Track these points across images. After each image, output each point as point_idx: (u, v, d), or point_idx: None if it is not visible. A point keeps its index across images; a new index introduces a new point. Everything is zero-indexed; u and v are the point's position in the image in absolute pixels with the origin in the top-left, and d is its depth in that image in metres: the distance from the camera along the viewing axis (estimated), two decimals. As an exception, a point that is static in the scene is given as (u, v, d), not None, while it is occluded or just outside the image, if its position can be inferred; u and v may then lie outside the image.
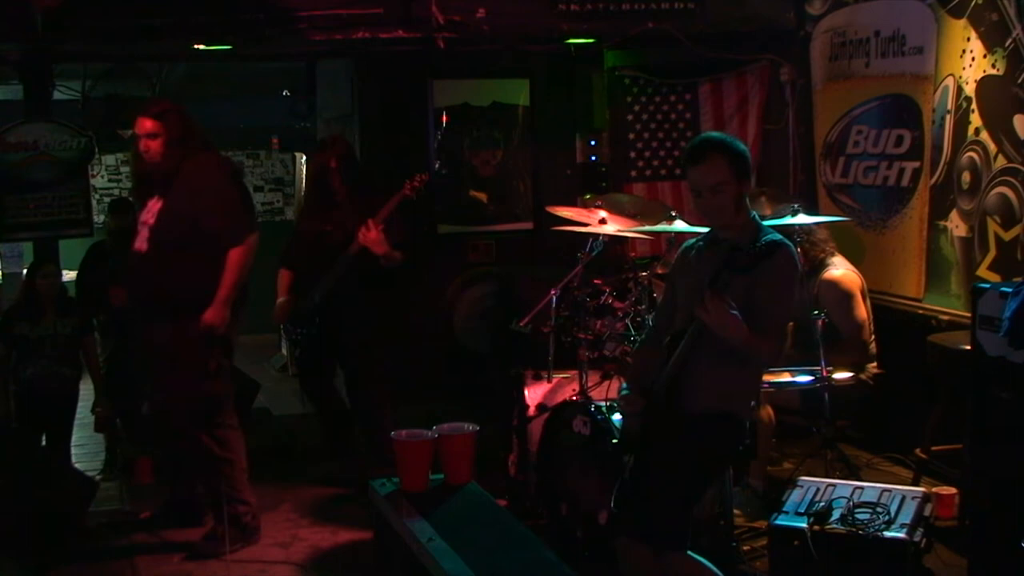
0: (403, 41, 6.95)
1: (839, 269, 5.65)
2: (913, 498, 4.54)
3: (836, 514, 4.45)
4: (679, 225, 5.17)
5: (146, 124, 5.05)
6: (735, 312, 3.45)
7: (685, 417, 3.65)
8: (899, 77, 6.15)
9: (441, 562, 3.81)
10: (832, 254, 5.73)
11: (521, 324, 5.45)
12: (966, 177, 5.59)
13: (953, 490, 5.01)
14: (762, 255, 3.50)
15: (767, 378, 5.13)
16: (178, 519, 5.48)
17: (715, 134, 3.89)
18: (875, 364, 5.64)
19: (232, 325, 5.10)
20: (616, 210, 5.49)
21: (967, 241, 5.60)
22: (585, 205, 5.90)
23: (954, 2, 5.63)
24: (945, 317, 5.70)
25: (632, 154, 8.02)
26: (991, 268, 5.41)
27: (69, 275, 6.91)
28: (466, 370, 7.46)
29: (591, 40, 7.47)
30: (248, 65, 9.69)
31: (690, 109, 7.98)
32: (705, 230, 4.06)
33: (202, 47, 7.08)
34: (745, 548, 4.81)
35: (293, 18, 6.74)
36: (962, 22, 5.57)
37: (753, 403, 3.89)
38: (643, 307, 4.96)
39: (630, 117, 8.00)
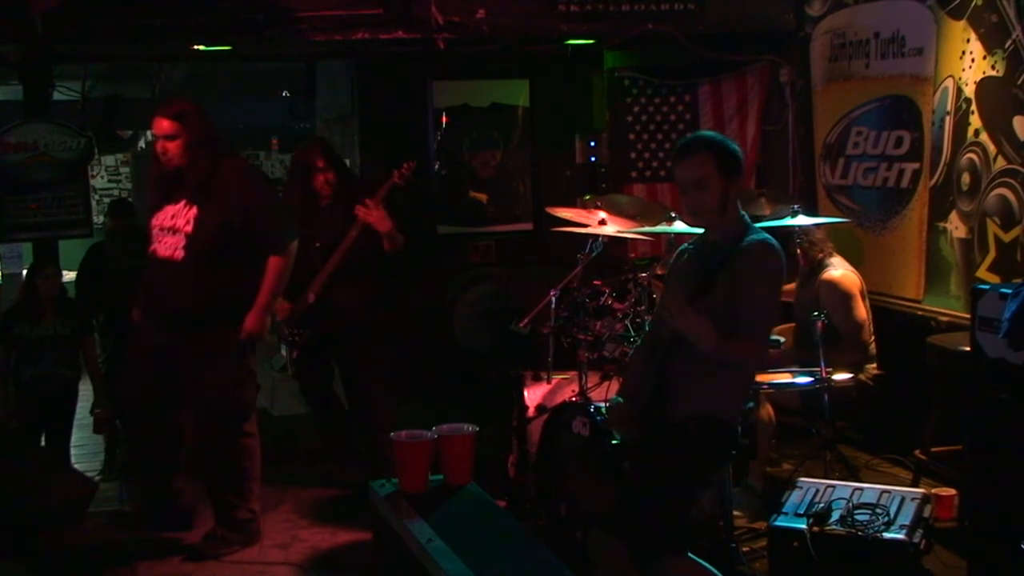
0: (403, 42, 6.95)
1: (838, 270, 5.66)
2: (912, 499, 4.54)
3: (835, 515, 4.46)
4: (679, 226, 5.17)
5: (164, 125, 4.85)
6: (701, 317, 3.44)
7: (671, 423, 3.62)
8: (899, 78, 6.15)
9: (440, 563, 3.81)
10: (831, 255, 5.73)
11: (520, 325, 5.45)
12: (966, 178, 5.59)
13: (952, 491, 5.01)
14: (740, 254, 3.50)
15: (767, 379, 5.13)
16: (162, 520, 5.42)
17: (706, 132, 3.91)
18: (875, 365, 5.64)
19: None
20: (616, 211, 5.49)
21: (967, 242, 5.60)
22: (585, 206, 5.90)
23: (954, 3, 5.63)
24: (944, 318, 5.70)
25: (632, 155, 8.02)
26: (991, 269, 5.41)
27: (69, 276, 6.90)
28: (466, 371, 7.45)
29: (591, 41, 7.47)
30: (248, 66, 9.72)
31: (690, 110, 7.98)
32: (697, 231, 4.06)
33: (202, 48, 7.08)
34: (744, 549, 4.80)
35: (293, 19, 6.74)
36: (962, 23, 5.57)
37: (746, 405, 3.84)
38: (643, 308, 4.96)
39: (630, 118, 8.00)
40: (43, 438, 6.18)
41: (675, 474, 3.60)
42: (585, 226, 5.33)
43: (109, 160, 11.60)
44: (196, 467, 5.35)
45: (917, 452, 5.38)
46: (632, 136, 8.00)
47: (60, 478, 5.55)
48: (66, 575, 5.04)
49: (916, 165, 6.01)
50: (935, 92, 5.83)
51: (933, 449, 5.31)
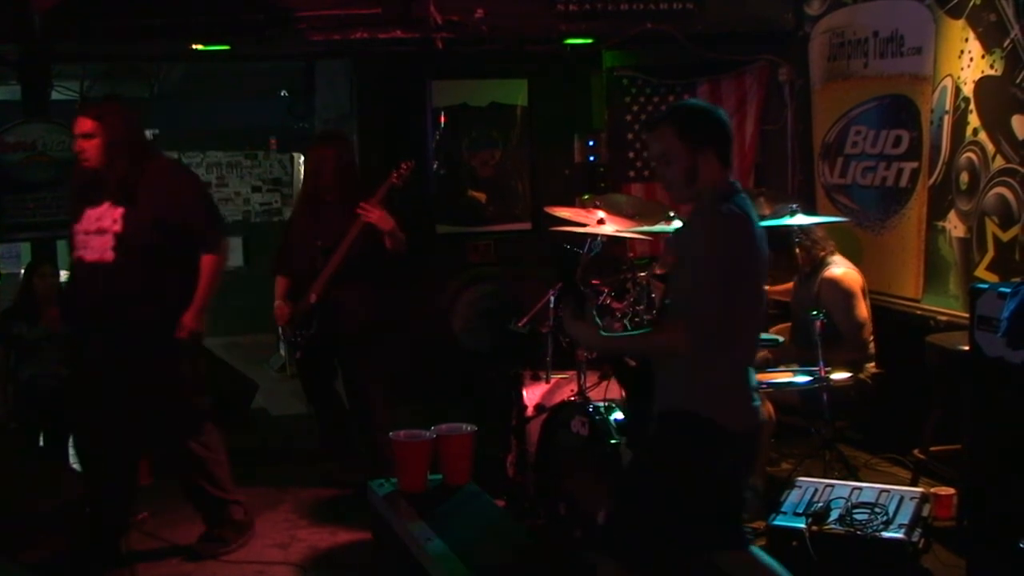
0: (402, 42, 6.96)
1: (840, 268, 5.66)
2: (911, 498, 4.55)
3: (834, 514, 4.46)
4: (677, 226, 5.17)
5: (82, 124, 4.73)
6: (579, 321, 3.41)
7: (656, 417, 3.46)
8: (897, 77, 6.15)
9: (439, 563, 3.81)
10: (832, 252, 5.73)
11: (519, 324, 5.45)
12: (964, 178, 5.59)
13: (951, 490, 5.01)
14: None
15: (765, 378, 5.13)
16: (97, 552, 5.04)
17: (680, 102, 3.75)
18: (873, 364, 5.64)
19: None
20: (614, 210, 5.48)
21: (965, 241, 5.60)
22: (583, 205, 5.89)
23: (952, 3, 5.63)
24: (943, 318, 5.70)
25: (630, 154, 8.03)
26: (989, 268, 5.41)
27: (67, 275, 6.90)
28: (464, 370, 7.46)
29: (589, 40, 7.47)
30: (246, 65, 9.71)
31: (688, 110, 7.98)
32: None
33: (200, 47, 7.08)
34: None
35: (291, 18, 6.75)
36: (960, 22, 5.57)
37: (733, 402, 3.41)
38: (641, 307, 4.95)
39: (628, 117, 8.00)
40: (41, 438, 6.18)
41: (645, 477, 3.42)
42: (584, 225, 5.33)
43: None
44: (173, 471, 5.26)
45: (916, 451, 5.38)
46: (631, 136, 8.01)
47: (58, 478, 5.55)
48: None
49: (915, 164, 6.01)
50: (934, 91, 5.83)
51: (932, 448, 5.31)
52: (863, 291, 5.65)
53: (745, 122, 7.79)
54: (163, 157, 5.07)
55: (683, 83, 7.91)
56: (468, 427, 4.78)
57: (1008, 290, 4.16)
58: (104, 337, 4.80)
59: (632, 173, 8.03)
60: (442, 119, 8.16)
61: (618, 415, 4.66)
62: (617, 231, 5.36)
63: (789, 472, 5.54)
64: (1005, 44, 5.25)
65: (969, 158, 5.56)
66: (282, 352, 8.18)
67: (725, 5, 7.22)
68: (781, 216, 5.41)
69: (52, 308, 5.88)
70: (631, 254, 7.02)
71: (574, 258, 3.44)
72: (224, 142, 11.88)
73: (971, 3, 5.48)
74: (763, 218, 5.43)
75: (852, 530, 4.37)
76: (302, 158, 9.68)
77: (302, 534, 5.42)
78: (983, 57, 5.41)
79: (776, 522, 4.52)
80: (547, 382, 5.31)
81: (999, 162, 5.34)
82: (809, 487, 4.71)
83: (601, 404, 4.74)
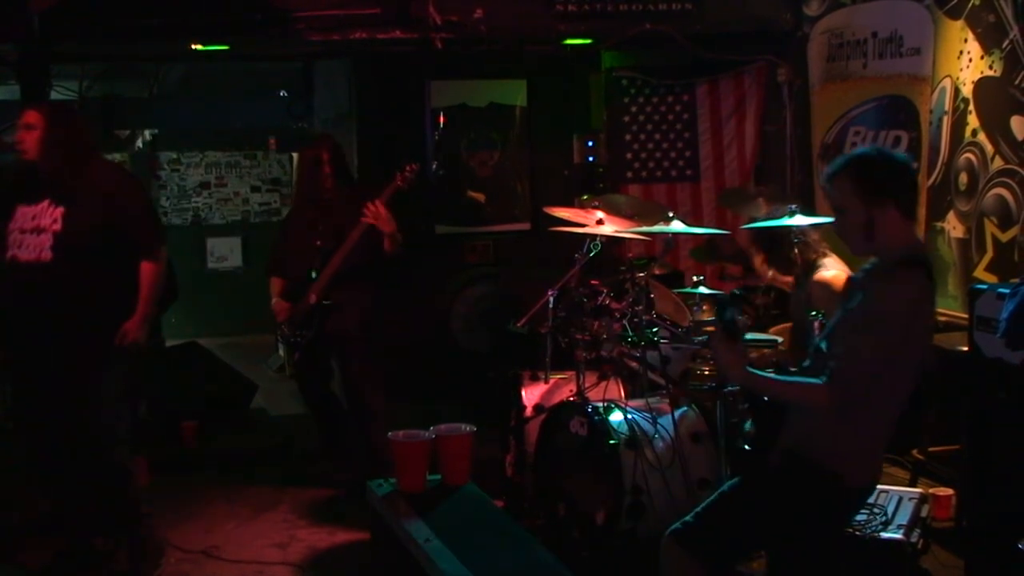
0: (401, 42, 6.96)
1: (831, 270, 5.64)
2: (910, 499, 4.54)
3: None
4: (676, 226, 5.17)
5: (27, 116, 4.62)
6: (726, 348, 3.24)
7: (782, 452, 3.37)
8: (896, 78, 6.16)
9: (438, 563, 3.80)
10: (824, 255, 5.72)
11: (518, 325, 5.45)
12: (963, 178, 5.60)
13: (950, 491, 5.01)
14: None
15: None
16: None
17: (861, 151, 3.49)
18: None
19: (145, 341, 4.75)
20: (613, 211, 5.49)
21: (964, 242, 5.61)
22: (582, 206, 5.89)
23: (951, 3, 5.63)
24: (942, 318, 5.70)
25: (629, 155, 8.04)
26: (988, 269, 5.42)
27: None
28: (463, 371, 7.46)
29: (588, 41, 7.48)
30: (245, 65, 9.71)
31: (687, 110, 8.00)
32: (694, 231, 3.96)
33: (199, 47, 7.08)
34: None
35: (290, 18, 6.75)
36: (959, 23, 5.58)
37: (863, 461, 3.33)
38: (640, 308, 4.95)
39: (627, 118, 8.02)
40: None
41: (752, 504, 3.32)
42: (583, 226, 5.33)
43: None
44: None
45: (915, 452, 5.38)
46: (629, 136, 8.02)
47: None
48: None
49: (914, 165, 6.00)
50: (933, 92, 5.83)
51: (931, 449, 5.31)
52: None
53: (744, 122, 7.80)
54: (107, 161, 4.93)
55: (682, 83, 7.93)
56: (467, 427, 4.77)
57: (1007, 291, 4.16)
58: (37, 342, 4.63)
59: (630, 174, 8.04)
60: (441, 119, 8.17)
61: (617, 415, 4.66)
62: (616, 232, 5.36)
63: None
64: (1004, 45, 5.25)
65: (968, 159, 5.56)
66: (281, 353, 8.18)
67: (724, 5, 7.23)
68: (780, 216, 5.41)
69: None
70: (630, 254, 7.02)
71: (743, 299, 3.33)
72: (223, 142, 11.89)
73: (970, 4, 5.48)
74: (760, 219, 5.44)
75: (851, 530, 4.36)
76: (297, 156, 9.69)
77: (301, 534, 5.42)
78: (982, 58, 5.41)
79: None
80: (546, 382, 5.30)
81: (998, 163, 5.34)
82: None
83: (600, 404, 4.74)
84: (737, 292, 3.43)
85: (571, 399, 4.94)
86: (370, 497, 4.73)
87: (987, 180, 5.41)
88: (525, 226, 8.25)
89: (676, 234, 5.18)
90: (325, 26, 6.86)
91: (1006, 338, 4.09)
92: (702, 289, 5.15)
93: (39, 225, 4.57)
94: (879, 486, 4.67)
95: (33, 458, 4.94)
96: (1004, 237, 5.31)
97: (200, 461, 6.64)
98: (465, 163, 8.20)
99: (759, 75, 7.67)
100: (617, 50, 7.79)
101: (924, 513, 4.54)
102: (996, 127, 5.34)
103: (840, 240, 3.38)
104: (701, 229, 5.81)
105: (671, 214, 5.31)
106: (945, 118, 5.73)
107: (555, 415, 4.91)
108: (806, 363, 3.50)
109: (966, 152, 5.58)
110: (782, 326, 5.91)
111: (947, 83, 5.71)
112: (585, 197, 7.11)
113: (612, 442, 4.50)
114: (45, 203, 4.60)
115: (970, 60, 5.50)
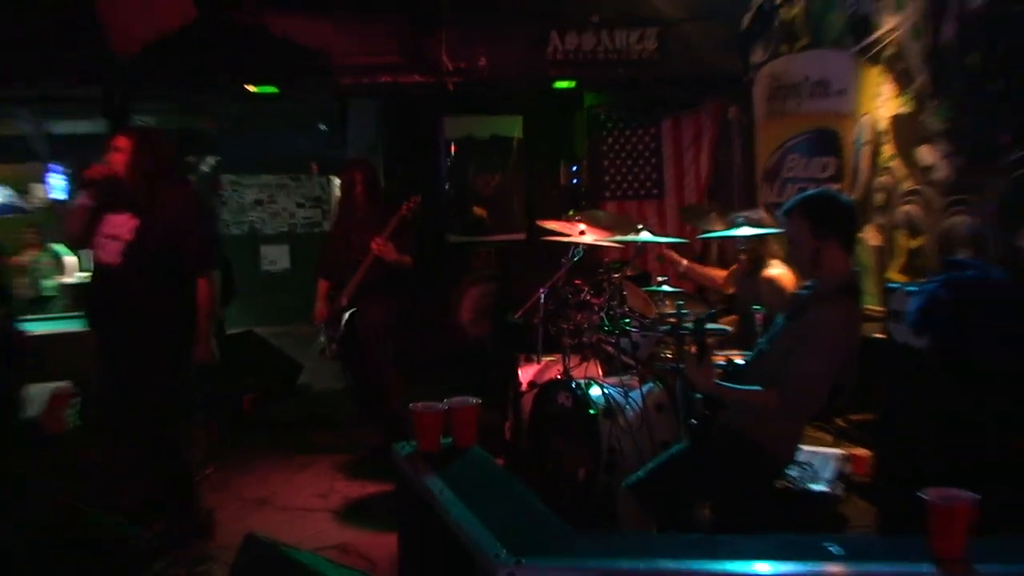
0: (419, 85, 6.99)
1: (777, 268, 5.67)
2: (834, 458, 4.57)
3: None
4: (644, 236, 5.20)
5: (118, 140, 4.49)
6: (697, 367, 3.23)
7: (725, 428, 3.35)
8: (825, 114, 6.17)
9: (450, 509, 3.83)
10: (773, 255, 5.74)
11: (515, 316, 5.47)
12: (880, 197, 5.61)
13: (866, 452, 5.04)
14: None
15: (715, 360, 5.14)
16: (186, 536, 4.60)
17: (811, 193, 3.42)
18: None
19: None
20: (593, 224, 5.50)
21: (881, 249, 5.62)
22: (568, 220, 5.92)
23: (871, 52, 5.65)
24: (863, 311, 5.71)
25: (606, 178, 8.06)
26: (900, 271, 5.44)
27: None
28: (471, 354, 7.48)
29: (574, 84, 7.50)
30: (291, 104, 9.73)
31: (654, 141, 8.02)
32: (659, 240, 3.95)
33: (254, 89, 7.11)
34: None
35: (328, 66, 6.77)
36: (878, 69, 5.60)
37: (792, 442, 3.44)
38: (615, 303, 4.97)
39: (604, 147, 8.04)
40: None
41: (698, 467, 3.33)
42: (568, 236, 5.35)
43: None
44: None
45: (838, 420, 5.40)
46: (607, 162, 8.04)
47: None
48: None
49: (839, 186, 6.03)
50: (855, 126, 5.85)
51: (851, 417, 5.33)
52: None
53: (700, 153, 7.82)
54: (183, 187, 4.69)
55: (650, 119, 7.95)
56: (474, 400, 4.76)
57: (915, 289, 4.19)
58: (117, 329, 4.52)
59: (608, 193, 8.07)
60: (452, 148, 8.19)
61: (596, 390, 4.68)
62: (595, 240, 5.38)
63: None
64: (913, 87, 5.28)
65: (884, 181, 5.58)
66: (322, 339, 8.22)
67: (684, 55, 7.25)
68: (731, 228, 5.44)
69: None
70: (607, 259, 7.05)
71: (706, 320, 3.34)
72: (274, 166, 11.91)
73: (886, 53, 5.50)
74: (716, 231, 5.47)
75: (787, 484, 4.39)
76: (337, 180, 9.70)
77: (339, 486, 5.45)
78: (896, 97, 5.43)
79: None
80: (538, 363, 5.32)
81: (908, 184, 5.36)
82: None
83: (582, 381, 4.76)
84: (703, 316, 3.45)
85: (558, 377, 4.96)
86: (395, 456, 4.75)
87: (899, 198, 5.43)
88: (521, 236, 8.27)
89: (644, 242, 5.20)
90: (356, 72, 6.89)
91: (913, 327, 4.11)
92: (664, 288, 5.18)
93: (117, 233, 4.48)
94: (810, 448, 4.72)
95: (115, 434, 4.63)
96: (913, 245, 5.33)
97: (256, 427, 6.68)
98: (472, 184, 8.22)
99: (713, 113, 7.69)
100: (597, 92, 7.82)
101: (846, 470, 4.56)
102: (906, 155, 5.36)
103: (794, 268, 3.37)
104: (664, 238, 5.83)
105: (640, 226, 5.34)
106: (865, 147, 5.75)
107: (545, 390, 4.92)
108: (750, 356, 3.55)
109: (882, 175, 5.60)
110: (730, 318, 5.93)
111: (867, 119, 5.73)
112: (571, 212, 7.14)
113: (592, 412, 4.52)
114: (126, 215, 4.51)
115: (886, 99, 5.52)
